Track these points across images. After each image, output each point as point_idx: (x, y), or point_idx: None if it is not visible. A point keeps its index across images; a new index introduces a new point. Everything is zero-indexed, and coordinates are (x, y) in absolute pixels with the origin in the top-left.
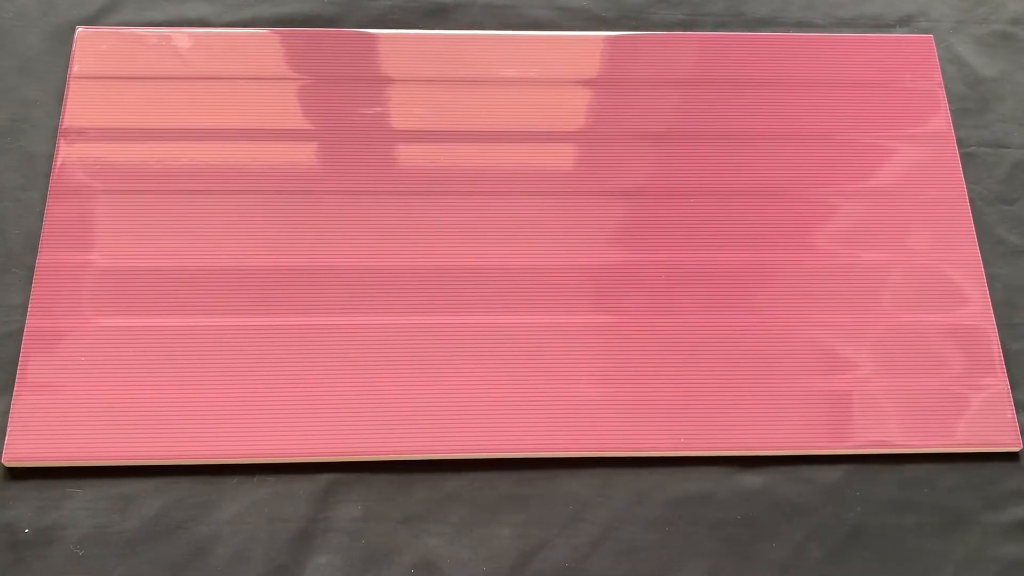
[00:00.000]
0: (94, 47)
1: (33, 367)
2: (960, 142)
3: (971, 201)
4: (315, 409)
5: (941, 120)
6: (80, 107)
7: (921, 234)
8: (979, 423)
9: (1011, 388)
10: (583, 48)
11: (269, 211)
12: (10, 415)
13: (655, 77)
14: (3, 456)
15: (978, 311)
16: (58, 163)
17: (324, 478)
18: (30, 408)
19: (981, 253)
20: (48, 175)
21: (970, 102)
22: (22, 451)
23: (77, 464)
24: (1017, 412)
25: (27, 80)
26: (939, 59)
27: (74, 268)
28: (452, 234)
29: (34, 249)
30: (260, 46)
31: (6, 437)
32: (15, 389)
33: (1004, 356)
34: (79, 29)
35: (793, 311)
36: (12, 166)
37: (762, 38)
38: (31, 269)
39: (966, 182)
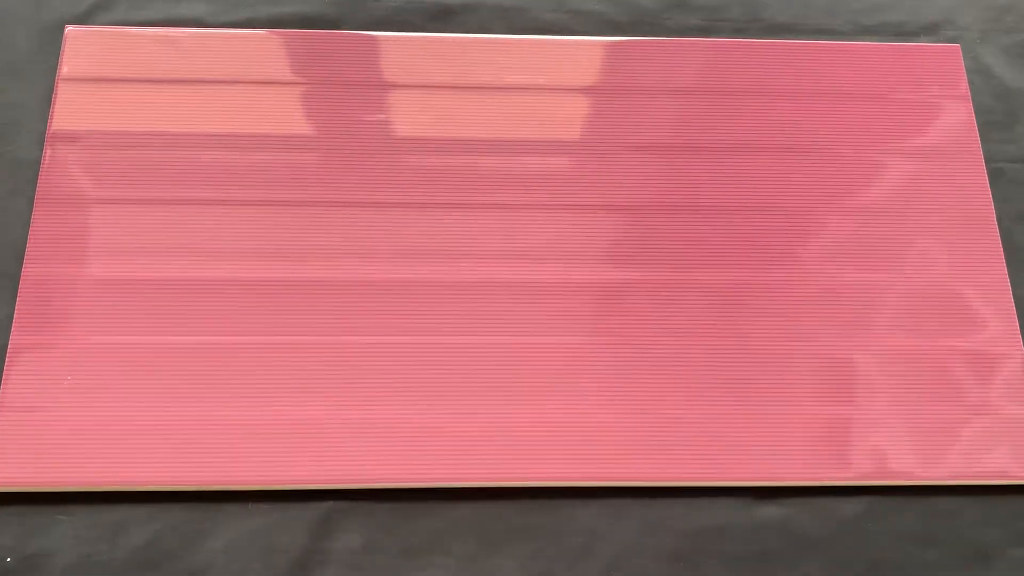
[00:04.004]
0: (84, 47)
1: (16, 386)
2: (988, 157)
3: (999, 219)
4: (314, 434)
5: (968, 134)
6: (69, 110)
7: (946, 254)
8: (1005, 454)
9: None
10: (595, 54)
11: (267, 222)
12: None
13: (670, 85)
14: None
15: (1005, 337)
16: (45, 170)
17: (323, 506)
18: (13, 430)
19: (1009, 274)
20: (35, 182)
21: (998, 115)
22: (5, 475)
23: (63, 489)
24: None
25: (13, 82)
26: (966, 70)
27: (61, 281)
28: (457, 248)
29: (19, 261)
30: (258, 48)
31: None
32: None
33: None
34: (68, 28)
35: (813, 336)
36: None
37: (781, 46)
38: (16, 282)
39: (994, 199)
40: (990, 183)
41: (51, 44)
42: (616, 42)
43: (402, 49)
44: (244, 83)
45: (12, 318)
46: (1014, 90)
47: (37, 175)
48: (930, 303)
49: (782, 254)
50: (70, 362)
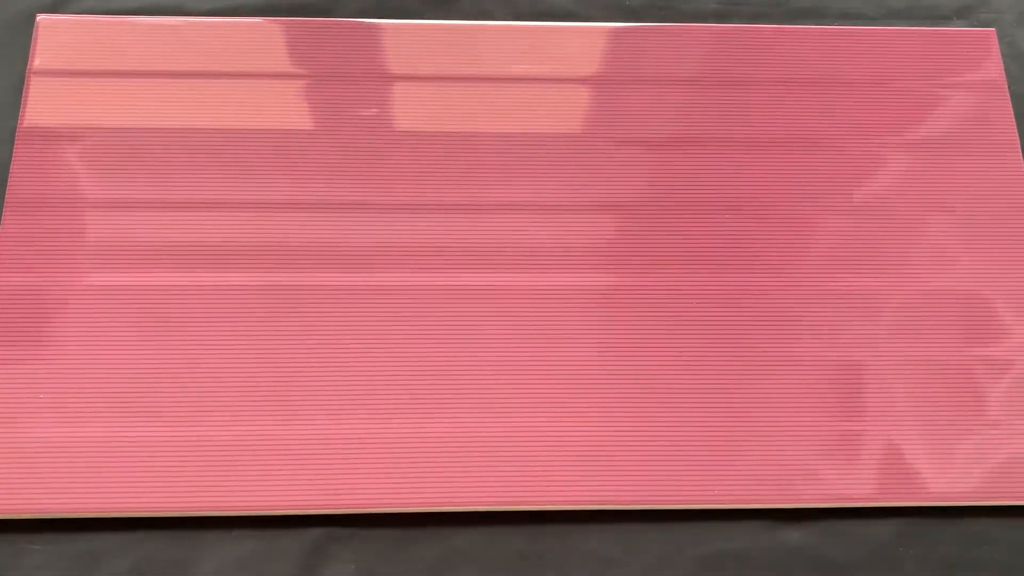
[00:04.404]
0: (57, 38)
1: None
2: None
3: None
4: (303, 455)
5: (1004, 125)
6: (41, 106)
7: (977, 257)
8: None
9: None
10: (604, 41)
11: (255, 225)
12: None
13: (684, 75)
14: None
15: None
16: (16, 171)
17: (313, 533)
18: None
19: None
20: (4, 184)
21: None
22: None
23: (34, 517)
24: None
25: None
26: (1002, 56)
27: (33, 290)
28: (455, 252)
29: None
30: (245, 38)
31: None
32: None
33: None
34: (40, 17)
35: (837, 346)
36: None
37: (804, 32)
38: None
39: None
40: None
41: (21, 34)
42: (627, 28)
43: (398, 38)
44: (229, 76)
45: None
46: None
47: (7, 176)
48: (963, 311)
49: (800, 256)
50: (42, 378)
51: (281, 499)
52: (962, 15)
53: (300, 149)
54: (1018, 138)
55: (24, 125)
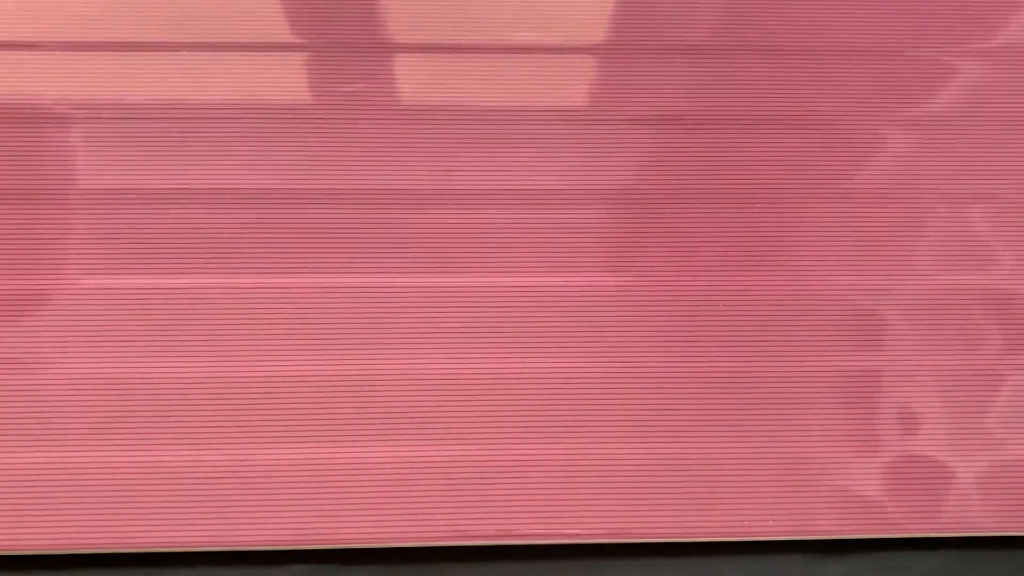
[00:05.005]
0: (3, 3)
1: None
2: None
3: None
4: (278, 483)
5: None
6: None
7: (1014, 250)
8: None
9: None
10: (619, 6)
11: (232, 218)
12: None
13: (715, 44)
14: None
15: None
16: None
17: (291, 571)
18: None
19: None
20: None
21: None
22: None
23: None
24: None
25: None
26: None
27: None
28: (447, 246)
29: None
30: (212, 5)
31: None
32: None
33: None
34: None
35: (880, 357)
36: None
37: None
38: None
39: None
40: None
41: None
42: None
43: (387, 2)
44: (191, 49)
45: None
46: None
47: None
48: (1002, 310)
49: (816, 252)
50: None
51: (253, 533)
52: None
53: (271, 129)
54: None
55: None
